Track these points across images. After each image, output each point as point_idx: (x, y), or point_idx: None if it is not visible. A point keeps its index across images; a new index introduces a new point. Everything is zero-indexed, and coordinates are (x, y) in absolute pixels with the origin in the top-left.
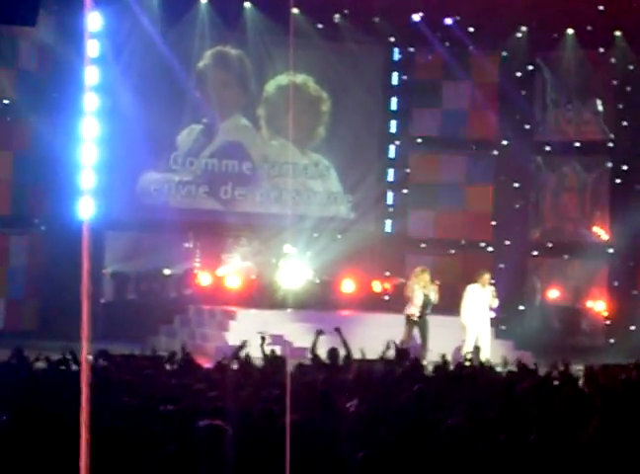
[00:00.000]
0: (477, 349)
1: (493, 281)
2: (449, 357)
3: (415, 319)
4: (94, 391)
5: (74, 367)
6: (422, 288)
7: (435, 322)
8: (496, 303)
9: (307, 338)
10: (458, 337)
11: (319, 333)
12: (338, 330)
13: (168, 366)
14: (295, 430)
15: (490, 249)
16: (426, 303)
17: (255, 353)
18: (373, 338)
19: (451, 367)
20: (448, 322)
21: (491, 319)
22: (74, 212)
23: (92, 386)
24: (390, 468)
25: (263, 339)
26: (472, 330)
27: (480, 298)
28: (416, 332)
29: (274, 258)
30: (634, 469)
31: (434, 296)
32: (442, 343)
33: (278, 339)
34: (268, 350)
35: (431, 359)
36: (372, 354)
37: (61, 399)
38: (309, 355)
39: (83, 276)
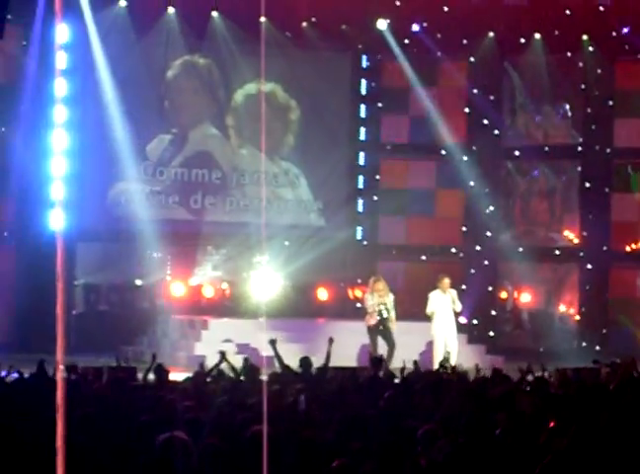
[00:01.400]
0: (448, 353)
1: (463, 287)
2: (418, 364)
3: (375, 329)
4: (67, 405)
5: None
6: (377, 298)
7: (406, 328)
8: (459, 307)
9: (281, 346)
10: (423, 342)
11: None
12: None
13: (140, 377)
14: (271, 440)
15: (461, 254)
16: (381, 312)
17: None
18: (347, 345)
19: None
20: (420, 328)
21: (462, 324)
22: (45, 225)
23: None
24: None
25: (223, 353)
26: (439, 336)
27: (443, 303)
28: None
29: (245, 268)
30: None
31: (389, 305)
32: (415, 349)
33: (247, 348)
34: (240, 360)
35: (397, 366)
36: (346, 361)
37: (33, 413)
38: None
39: (57, 288)
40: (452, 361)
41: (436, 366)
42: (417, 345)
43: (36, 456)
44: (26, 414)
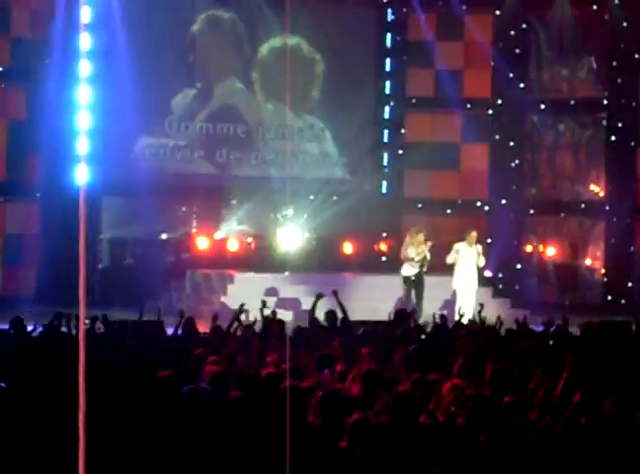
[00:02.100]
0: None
1: (489, 241)
2: (445, 318)
3: (413, 279)
4: (92, 356)
5: (73, 332)
6: (417, 248)
7: (431, 282)
8: (482, 262)
9: (306, 300)
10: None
11: (319, 296)
12: (335, 293)
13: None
14: (295, 394)
15: (486, 208)
16: (422, 263)
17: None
18: (373, 299)
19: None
20: (445, 281)
21: (487, 278)
22: (70, 179)
23: (90, 351)
24: (386, 431)
25: (263, 303)
26: (461, 288)
27: (467, 256)
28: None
29: (270, 223)
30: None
31: (429, 256)
32: (438, 303)
33: (280, 302)
34: (268, 312)
35: (425, 319)
36: (372, 314)
37: (59, 365)
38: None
39: (80, 242)
40: (468, 315)
41: (457, 316)
42: (443, 298)
43: (59, 409)
44: (50, 366)
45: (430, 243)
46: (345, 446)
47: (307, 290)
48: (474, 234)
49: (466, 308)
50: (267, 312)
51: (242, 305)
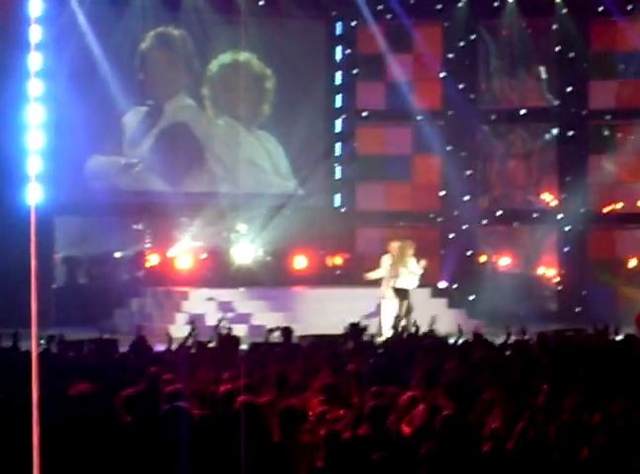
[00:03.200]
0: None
1: (443, 252)
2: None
3: (404, 291)
4: (48, 377)
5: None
6: (400, 261)
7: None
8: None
9: (260, 316)
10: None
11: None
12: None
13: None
14: (250, 410)
15: (439, 219)
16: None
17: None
18: (327, 312)
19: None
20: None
21: (442, 289)
22: (22, 199)
23: (46, 372)
24: (350, 444)
25: (219, 320)
26: (386, 299)
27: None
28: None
29: (223, 238)
30: (583, 433)
31: (414, 267)
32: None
33: (235, 317)
34: (223, 328)
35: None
36: (327, 328)
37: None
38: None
39: (32, 262)
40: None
41: (385, 330)
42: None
43: (13, 430)
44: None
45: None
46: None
47: (261, 305)
48: (394, 245)
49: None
50: (222, 328)
51: (193, 322)
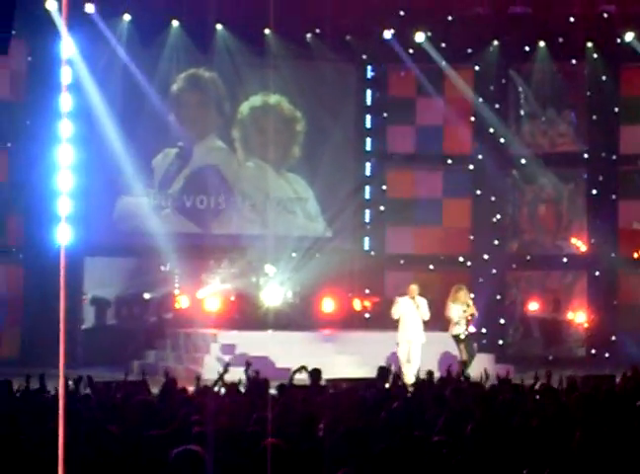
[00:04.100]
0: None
1: (472, 296)
2: (432, 374)
3: (462, 337)
4: (76, 418)
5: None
6: (459, 306)
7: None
8: (426, 315)
9: (289, 358)
10: (442, 351)
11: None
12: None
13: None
14: (277, 452)
15: (469, 263)
16: (467, 320)
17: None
18: (356, 356)
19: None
20: (435, 337)
21: (472, 333)
22: (52, 239)
23: (73, 413)
24: None
25: (248, 364)
26: (402, 341)
27: (408, 310)
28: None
29: (253, 281)
30: None
31: (471, 310)
32: (432, 358)
33: (260, 360)
34: (251, 373)
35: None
36: (356, 371)
37: (42, 427)
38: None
39: (61, 303)
40: (414, 369)
41: (398, 371)
42: (433, 354)
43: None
44: (32, 427)
45: (471, 303)
46: None
47: (290, 348)
48: (413, 287)
49: (413, 362)
50: (251, 371)
51: (227, 365)
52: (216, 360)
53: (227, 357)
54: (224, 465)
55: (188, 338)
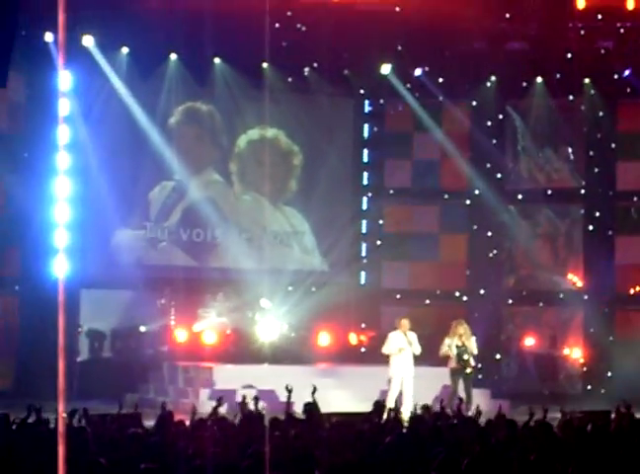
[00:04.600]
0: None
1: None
2: (429, 409)
3: (458, 372)
4: (72, 451)
5: (51, 426)
6: (457, 341)
7: (417, 373)
8: (417, 350)
9: (284, 392)
10: (435, 386)
11: (288, 390)
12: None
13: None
14: None
15: (465, 298)
16: (461, 355)
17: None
18: (352, 390)
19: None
20: (432, 372)
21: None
22: (48, 271)
23: (69, 446)
24: None
25: (257, 398)
26: (396, 377)
27: (400, 345)
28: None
29: (249, 314)
30: None
31: (470, 348)
32: (429, 393)
33: (259, 394)
34: (249, 405)
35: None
36: (352, 405)
37: (39, 460)
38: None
39: (59, 335)
40: (409, 404)
41: (391, 405)
42: (431, 389)
43: None
44: (29, 459)
45: (473, 337)
46: None
47: (286, 382)
48: (404, 322)
49: (408, 396)
50: (247, 404)
51: (220, 399)
52: (211, 395)
53: (221, 391)
54: None
55: (184, 371)
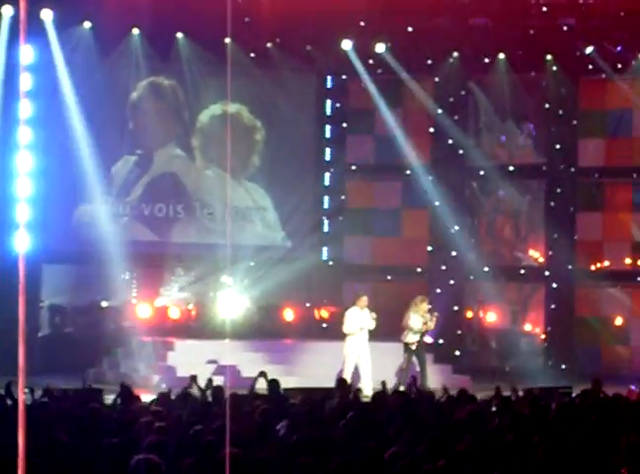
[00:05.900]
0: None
1: (429, 307)
2: (385, 385)
3: (413, 347)
4: (33, 427)
5: (9, 402)
6: (420, 317)
7: (377, 349)
8: (373, 326)
9: (246, 368)
10: (396, 363)
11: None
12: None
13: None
14: (236, 461)
15: (426, 274)
16: (422, 332)
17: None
18: (316, 365)
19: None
20: (393, 348)
21: (428, 344)
22: (9, 246)
23: (31, 422)
24: None
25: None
26: (352, 354)
27: (359, 321)
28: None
29: (211, 290)
30: None
31: (431, 324)
32: (381, 369)
33: (222, 369)
34: (210, 382)
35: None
36: (314, 381)
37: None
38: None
39: (20, 310)
40: (368, 381)
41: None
42: (390, 365)
43: None
44: None
45: (436, 313)
46: None
47: (247, 357)
48: (364, 298)
49: (367, 373)
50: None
51: (193, 377)
52: (173, 369)
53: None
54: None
55: (145, 346)
